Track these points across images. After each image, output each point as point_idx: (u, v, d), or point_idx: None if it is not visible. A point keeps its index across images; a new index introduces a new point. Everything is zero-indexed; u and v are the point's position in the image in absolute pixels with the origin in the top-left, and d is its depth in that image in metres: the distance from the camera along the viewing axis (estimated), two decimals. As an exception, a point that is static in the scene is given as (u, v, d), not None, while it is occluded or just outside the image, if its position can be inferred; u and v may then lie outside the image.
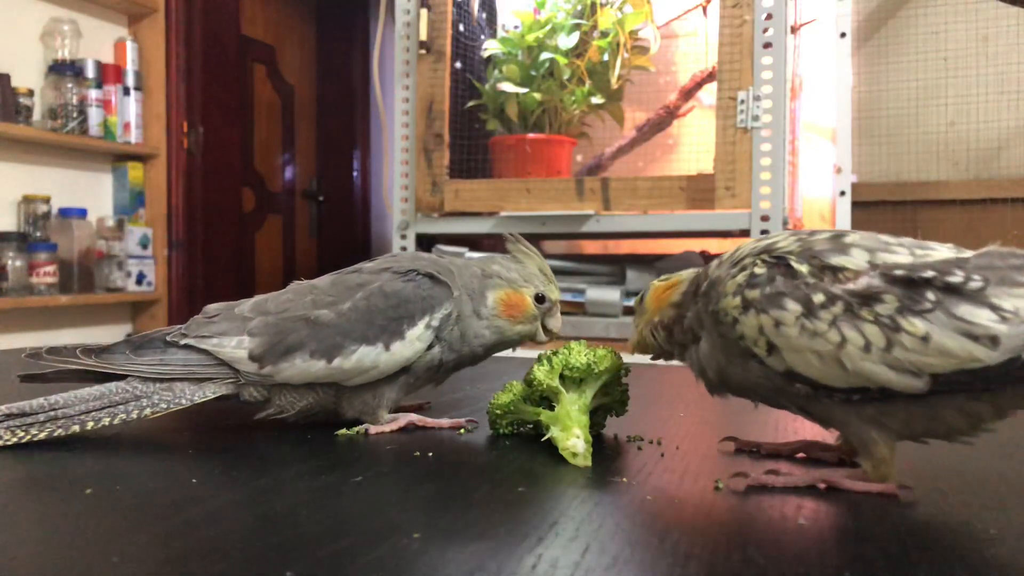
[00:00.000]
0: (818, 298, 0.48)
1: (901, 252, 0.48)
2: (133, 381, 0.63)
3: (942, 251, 0.48)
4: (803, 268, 0.49)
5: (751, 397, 0.55)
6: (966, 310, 0.45)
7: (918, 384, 0.46)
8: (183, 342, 0.64)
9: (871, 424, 0.49)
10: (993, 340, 0.44)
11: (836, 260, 0.49)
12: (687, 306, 0.57)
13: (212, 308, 0.68)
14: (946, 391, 0.46)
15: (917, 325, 0.45)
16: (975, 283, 0.45)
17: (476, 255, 1.94)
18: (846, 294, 0.47)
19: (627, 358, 0.65)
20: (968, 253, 0.48)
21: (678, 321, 0.58)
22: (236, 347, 0.64)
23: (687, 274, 0.60)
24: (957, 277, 0.46)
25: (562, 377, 0.62)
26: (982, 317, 0.44)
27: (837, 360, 0.47)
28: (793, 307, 0.48)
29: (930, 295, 0.46)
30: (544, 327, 0.70)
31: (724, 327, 0.52)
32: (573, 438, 0.58)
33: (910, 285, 0.46)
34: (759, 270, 0.50)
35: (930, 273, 0.46)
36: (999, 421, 0.49)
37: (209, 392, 0.64)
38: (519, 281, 0.69)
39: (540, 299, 0.69)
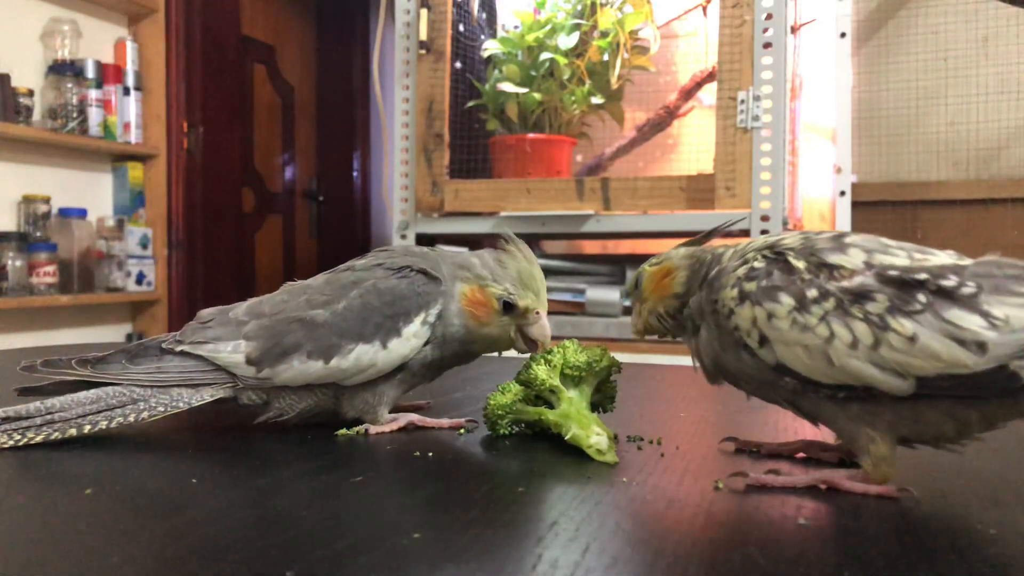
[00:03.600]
0: (811, 293, 0.48)
1: (900, 255, 0.49)
2: (130, 384, 0.63)
3: (941, 257, 0.49)
4: (800, 264, 0.50)
5: (743, 388, 0.56)
6: (955, 314, 0.45)
7: (902, 385, 0.46)
8: (179, 349, 0.64)
9: (860, 422, 0.49)
10: (981, 346, 0.44)
11: (833, 258, 0.49)
12: (691, 293, 0.58)
13: (206, 313, 0.67)
14: (932, 395, 0.46)
15: (905, 325, 0.45)
16: (968, 289, 0.45)
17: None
18: (839, 291, 0.48)
19: (621, 356, 0.66)
20: (968, 261, 0.48)
21: (681, 310, 0.59)
22: (232, 352, 0.63)
23: (679, 258, 0.60)
24: (950, 281, 0.46)
25: (562, 375, 0.63)
26: (971, 322, 0.44)
27: (824, 355, 0.47)
28: (787, 301, 0.49)
29: (921, 297, 0.46)
30: (525, 336, 0.66)
31: (721, 317, 0.52)
32: (595, 435, 0.58)
33: (902, 286, 0.47)
34: (758, 264, 0.52)
35: (923, 275, 0.46)
36: (988, 431, 0.48)
37: (207, 395, 0.64)
38: (487, 279, 0.65)
39: (507, 307, 0.64)
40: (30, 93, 2.32)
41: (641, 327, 0.63)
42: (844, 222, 2.11)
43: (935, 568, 0.38)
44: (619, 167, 2.17)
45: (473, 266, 0.66)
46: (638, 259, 1.99)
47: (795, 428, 0.69)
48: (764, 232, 1.67)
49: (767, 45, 1.67)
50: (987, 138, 2.26)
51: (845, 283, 0.48)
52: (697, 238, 0.63)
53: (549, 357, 0.63)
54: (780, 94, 1.67)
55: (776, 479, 0.51)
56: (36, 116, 2.37)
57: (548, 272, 2.14)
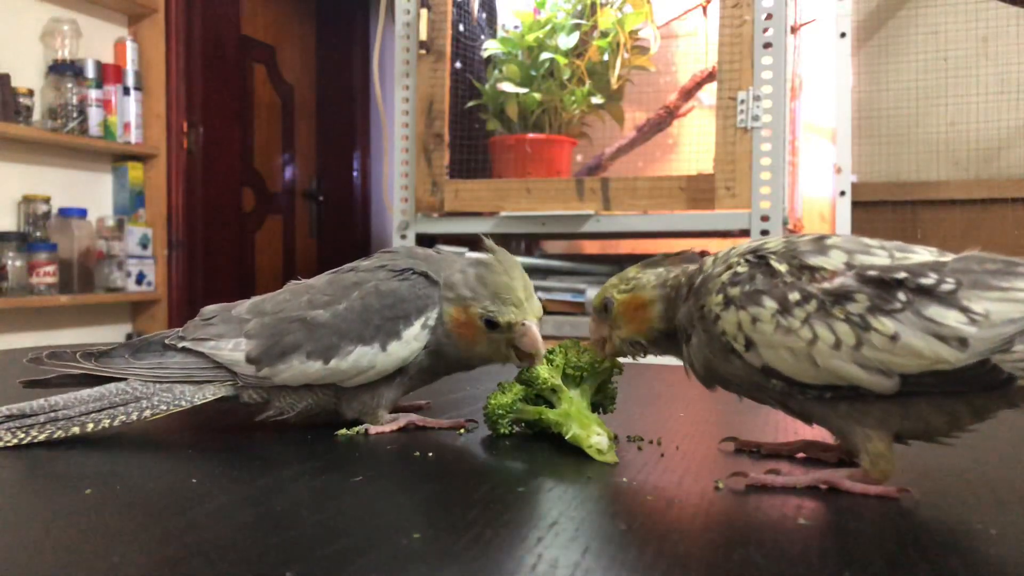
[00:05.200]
0: (794, 296, 0.49)
1: (880, 255, 0.49)
2: (133, 382, 0.63)
3: (923, 255, 0.49)
4: (782, 267, 0.50)
5: (736, 391, 0.56)
6: (935, 311, 0.45)
7: (887, 383, 0.46)
8: (181, 345, 0.64)
9: (852, 421, 0.49)
10: (962, 342, 0.44)
11: (814, 260, 0.50)
12: (673, 314, 0.57)
13: (209, 310, 0.68)
14: (919, 392, 0.46)
15: (886, 324, 0.46)
16: (947, 285, 0.46)
17: (476, 255, 1.93)
18: (821, 293, 0.48)
19: (621, 357, 0.66)
20: (948, 257, 0.48)
21: (665, 334, 0.59)
22: (233, 349, 0.63)
23: (651, 288, 0.59)
24: (929, 279, 0.46)
25: (564, 375, 0.63)
26: (951, 318, 0.45)
27: (808, 356, 0.48)
28: (770, 304, 0.49)
29: (901, 295, 0.46)
30: (518, 350, 0.63)
31: (708, 323, 0.53)
32: (595, 435, 0.58)
33: (882, 285, 0.47)
34: (741, 269, 0.52)
35: (902, 274, 0.47)
36: (980, 422, 0.49)
37: (209, 393, 0.64)
38: (468, 298, 0.63)
39: (490, 324, 0.62)
40: (30, 93, 2.32)
41: (611, 351, 0.62)
42: (844, 222, 2.11)
43: (935, 568, 0.38)
44: (619, 167, 2.17)
45: (455, 285, 0.64)
46: (638, 259, 1.99)
47: (795, 428, 0.69)
48: (764, 232, 1.67)
49: (767, 45, 1.67)
50: (987, 138, 2.26)
51: (826, 284, 0.48)
52: (656, 258, 0.62)
53: (551, 357, 0.63)
54: (780, 94, 1.67)
55: (776, 479, 0.51)
56: (36, 116, 2.37)
57: (548, 272, 2.13)
